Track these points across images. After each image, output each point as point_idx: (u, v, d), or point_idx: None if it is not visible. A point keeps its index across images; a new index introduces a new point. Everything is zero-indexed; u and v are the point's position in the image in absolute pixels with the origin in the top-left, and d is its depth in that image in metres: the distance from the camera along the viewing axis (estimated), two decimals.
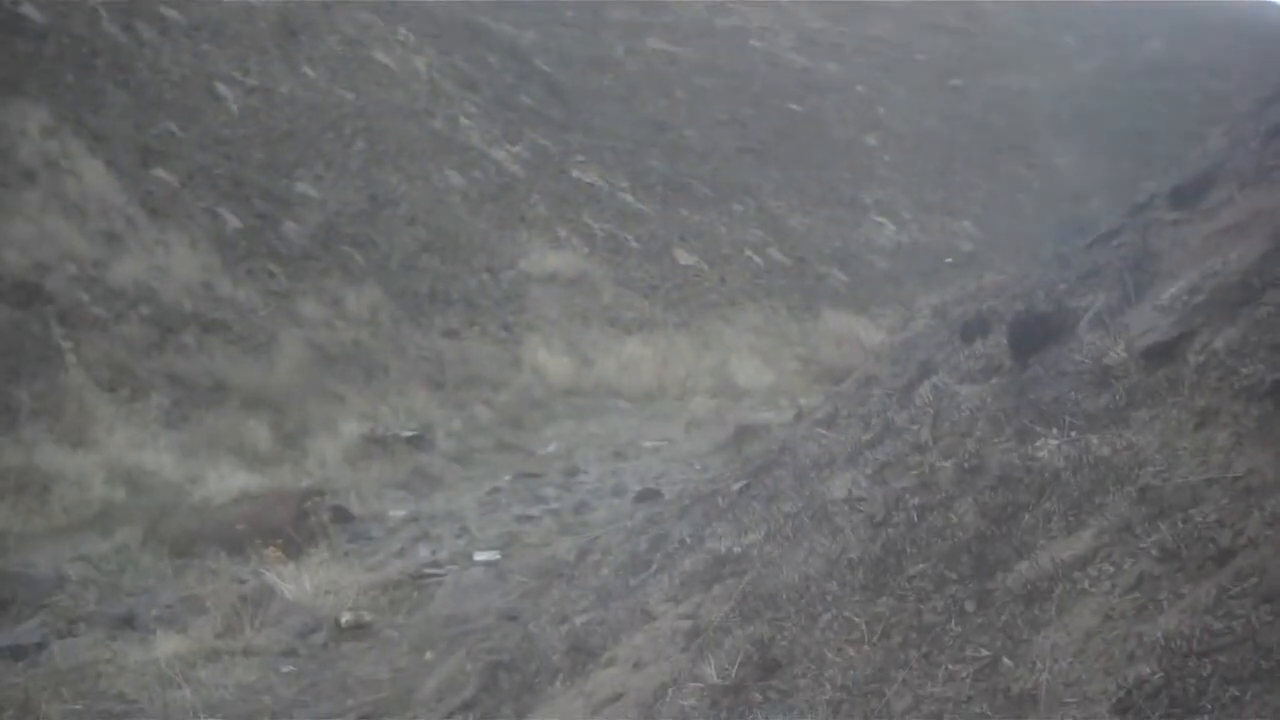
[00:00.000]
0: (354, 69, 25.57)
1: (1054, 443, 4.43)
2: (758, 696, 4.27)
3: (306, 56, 25.06)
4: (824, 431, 7.00)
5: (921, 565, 4.33)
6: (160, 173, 19.71)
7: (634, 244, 25.30)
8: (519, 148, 26.55)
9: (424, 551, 11.35)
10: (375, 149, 23.66)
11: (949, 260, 27.25)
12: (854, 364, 11.24)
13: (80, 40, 20.89)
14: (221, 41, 23.67)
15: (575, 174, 26.67)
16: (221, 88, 22.78)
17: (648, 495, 11.50)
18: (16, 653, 8.94)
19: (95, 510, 12.54)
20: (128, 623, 9.62)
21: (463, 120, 26.35)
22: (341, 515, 12.45)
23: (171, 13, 23.32)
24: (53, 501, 12.59)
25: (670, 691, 4.60)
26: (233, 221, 19.73)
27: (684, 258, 25.45)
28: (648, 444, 16.27)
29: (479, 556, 10.86)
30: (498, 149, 26.11)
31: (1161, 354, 4.53)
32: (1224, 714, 2.74)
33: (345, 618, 9.36)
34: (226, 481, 13.22)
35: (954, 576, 4.13)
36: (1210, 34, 40.92)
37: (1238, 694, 2.77)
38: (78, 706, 7.83)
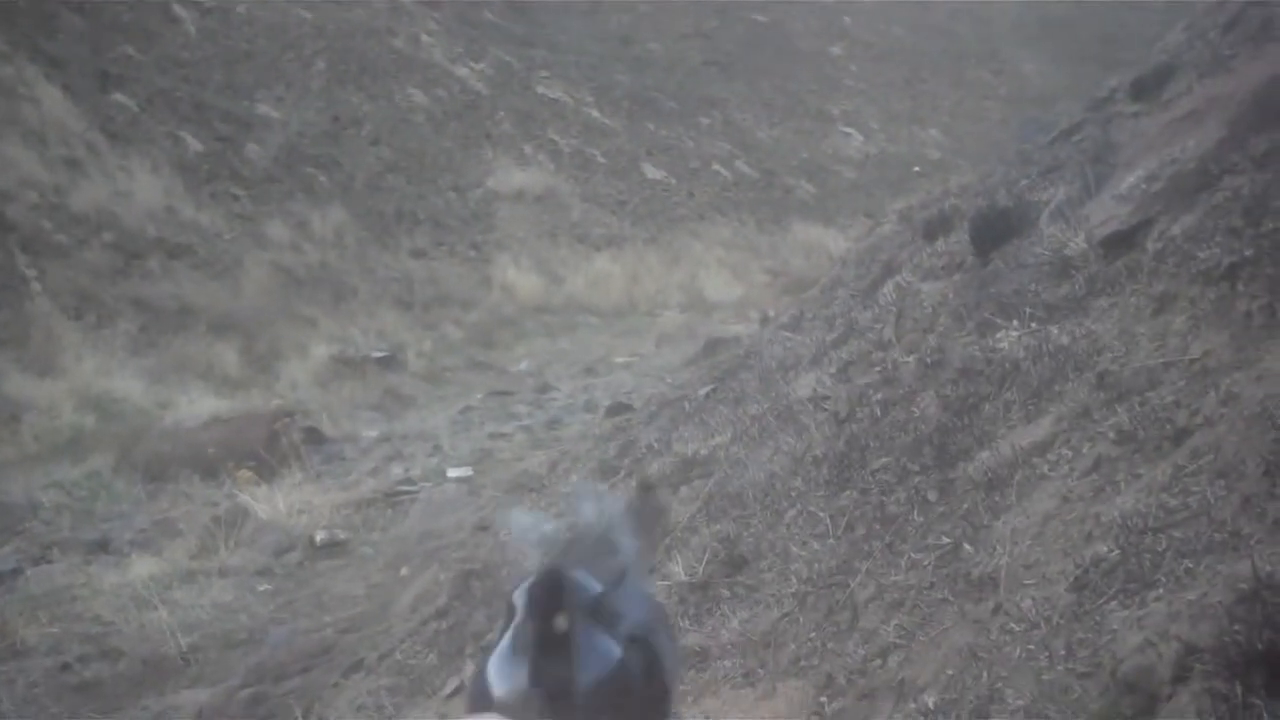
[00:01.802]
0: None
1: (1014, 334, 4.46)
2: (725, 592, 4.32)
3: None
4: (789, 334, 7.02)
5: (884, 459, 4.36)
6: (119, 97, 19.44)
7: (601, 160, 25.14)
8: (482, 65, 26.26)
9: (397, 470, 11.36)
10: (336, 69, 23.37)
11: (917, 169, 27.17)
12: (823, 274, 11.24)
13: None
14: None
15: (540, 90, 26.43)
16: (178, 9, 22.43)
17: (619, 409, 11.50)
18: None
19: (66, 438, 12.49)
20: (102, 547, 9.63)
21: (424, 38, 26.03)
22: (314, 436, 12.43)
23: None
24: (23, 430, 12.53)
25: None
26: (194, 145, 19.50)
27: (651, 172, 25.32)
28: (618, 359, 16.28)
29: (452, 473, 10.88)
30: (461, 66, 25.82)
31: (1120, 243, 4.55)
32: (1178, 586, 2.78)
33: (320, 536, 9.39)
34: (197, 405, 13.16)
35: (916, 468, 4.17)
36: None
37: (1191, 566, 2.81)
38: (54, 629, 7.86)
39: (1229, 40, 5.94)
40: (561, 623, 0.60)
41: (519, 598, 0.61)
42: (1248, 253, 3.80)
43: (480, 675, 0.61)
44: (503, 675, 0.59)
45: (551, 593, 0.62)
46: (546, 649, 0.60)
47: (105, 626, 7.92)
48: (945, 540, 3.67)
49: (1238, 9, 6.30)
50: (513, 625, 0.61)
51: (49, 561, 9.35)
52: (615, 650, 0.59)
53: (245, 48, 22.61)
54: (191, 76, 21.09)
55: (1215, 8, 7.17)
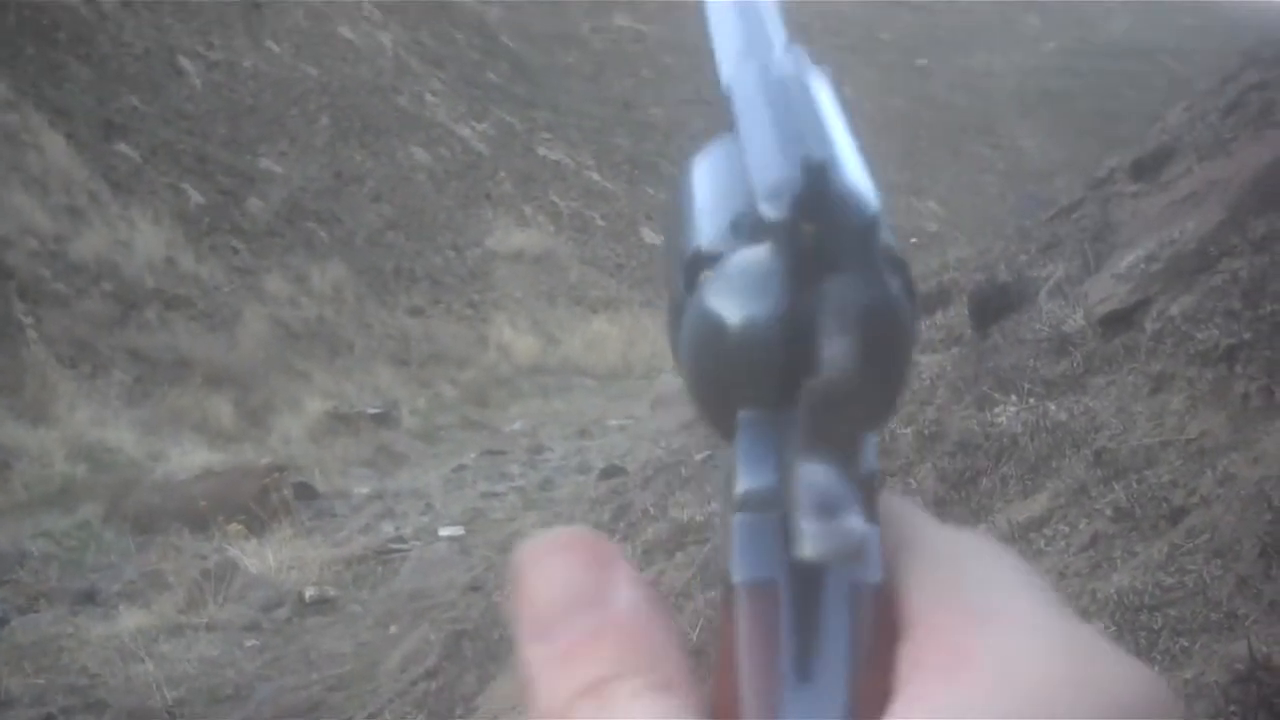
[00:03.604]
0: (319, 44, 25.42)
1: (1012, 409, 4.48)
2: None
3: (271, 31, 24.89)
4: None
5: None
6: (123, 147, 19.55)
7: (600, 222, 25.28)
8: (485, 125, 26.47)
9: (388, 528, 11.33)
10: (340, 125, 23.54)
11: (914, 240, 27.30)
12: None
13: (41, 12, 20.67)
14: (184, 15, 23.46)
15: (541, 151, 26.62)
16: (184, 62, 22.61)
17: (613, 472, 11.48)
18: None
19: (56, 487, 12.45)
20: (90, 598, 9.57)
21: (429, 97, 26.25)
22: (305, 492, 12.41)
23: None
24: (13, 478, 12.49)
25: None
26: (196, 197, 19.59)
27: (650, 236, 25.44)
28: (613, 422, 16.28)
29: (444, 532, 10.86)
30: (464, 126, 26.02)
31: (1119, 321, 4.58)
32: (1173, 664, 2.78)
33: (309, 593, 9.36)
34: (189, 458, 13.14)
35: None
36: (1174, 14, 41.18)
37: (1187, 645, 2.82)
38: (40, 681, 7.81)
39: (1230, 123, 6.02)
40: (847, 299, 0.40)
41: (772, 201, 0.42)
42: (1246, 335, 3.83)
43: (701, 312, 0.43)
44: (738, 313, 0.42)
45: (824, 200, 0.42)
46: (811, 270, 0.42)
47: (91, 678, 7.87)
48: None
49: (1239, 92, 6.38)
50: (754, 241, 0.43)
51: (36, 611, 9.30)
52: (886, 277, 0.41)
53: (250, 102, 22.77)
54: (195, 129, 21.22)
55: (1217, 90, 7.26)
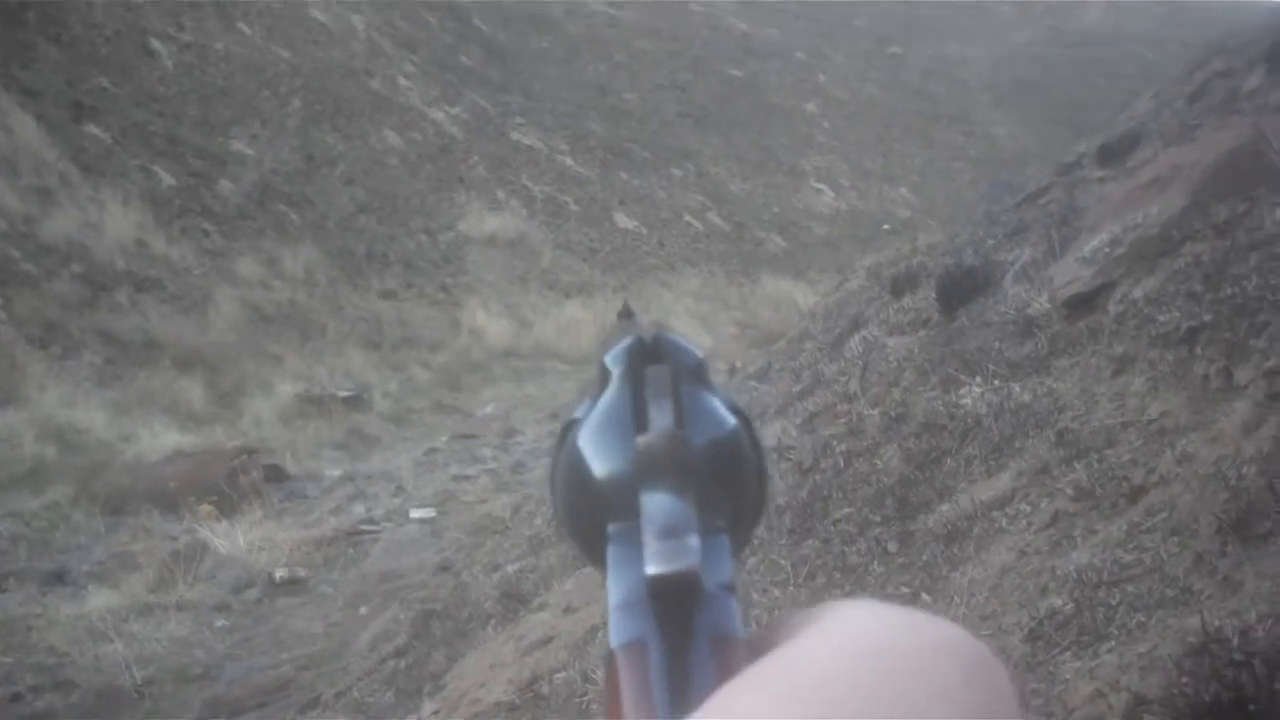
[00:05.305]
0: (291, 26, 25.29)
1: (977, 390, 4.53)
2: None
3: (243, 13, 24.75)
4: (756, 384, 7.08)
5: (847, 509, 4.41)
6: (93, 129, 19.44)
7: (573, 207, 25.26)
8: (458, 109, 26.40)
9: (359, 509, 11.34)
10: (312, 108, 23.43)
11: (886, 227, 27.40)
12: (791, 328, 11.34)
13: None
14: None
15: (514, 136, 26.57)
16: (155, 44, 22.47)
17: None
18: None
19: (26, 468, 12.39)
20: (59, 578, 9.55)
21: (401, 80, 26.16)
22: (276, 474, 12.40)
23: None
24: None
25: (600, 633, 4.66)
26: (167, 179, 19.50)
27: (623, 221, 25.45)
28: None
29: (415, 514, 10.88)
30: (436, 109, 25.94)
31: (1083, 304, 4.63)
32: (1129, 639, 2.83)
33: (279, 573, 9.36)
34: (159, 440, 13.11)
35: (878, 519, 4.22)
36: (1147, 3, 41.37)
37: (1143, 620, 2.87)
38: (7, 659, 7.80)
39: (1194, 110, 6.08)
40: (664, 381, 0.52)
41: (613, 360, 0.53)
42: (1206, 317, 3.89)
43: (571, 455, 0.53)
44: (601, 448, 0.52)
45: (652, 351, 0.54)
46: (650, 411, 0.50)
47: (59, 658, 7.86)
48: (904, 590, 3.72)
49: (1205, 80, 6.43)
50: (606, 391, 0.53)
51: (4, 591, 9.27)
52: (728, 415, 0.52)
53: (222, 84, 22.65)
54: (166, 111, 21.10)
55: (1184, 78, 7.33)
